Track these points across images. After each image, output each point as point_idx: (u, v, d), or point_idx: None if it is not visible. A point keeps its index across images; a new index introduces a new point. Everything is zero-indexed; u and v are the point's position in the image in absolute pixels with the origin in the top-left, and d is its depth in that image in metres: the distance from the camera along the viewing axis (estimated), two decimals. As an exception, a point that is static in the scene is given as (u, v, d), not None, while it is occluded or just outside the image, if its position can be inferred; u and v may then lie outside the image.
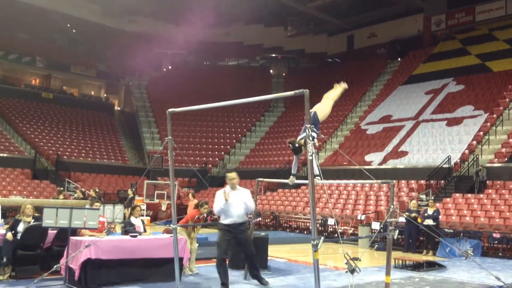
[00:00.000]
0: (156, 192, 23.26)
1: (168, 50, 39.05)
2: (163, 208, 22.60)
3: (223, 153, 30.67)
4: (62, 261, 7.41)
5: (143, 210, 20.23)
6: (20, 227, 8.00)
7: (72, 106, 34.48)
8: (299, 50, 40.18)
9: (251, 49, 39.94)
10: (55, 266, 7.10)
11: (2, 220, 13.31)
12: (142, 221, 9.33)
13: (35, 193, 22.47)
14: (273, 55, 41.00)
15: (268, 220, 19.86)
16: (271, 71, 40.61)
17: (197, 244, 9.25)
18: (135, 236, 8.06)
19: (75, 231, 7.97)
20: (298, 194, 22.08)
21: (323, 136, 6.35)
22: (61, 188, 19.77)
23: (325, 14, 34.80)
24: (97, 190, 22.09)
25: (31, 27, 33.77)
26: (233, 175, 7.49)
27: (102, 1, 31.25)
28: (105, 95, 40.39)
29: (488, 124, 21.90)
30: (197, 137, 31.97)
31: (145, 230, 9.02)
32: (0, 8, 30.00)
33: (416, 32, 34.13)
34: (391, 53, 35.12)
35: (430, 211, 13.69)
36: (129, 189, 20.68)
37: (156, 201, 22.84)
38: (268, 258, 9.84)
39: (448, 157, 19.48)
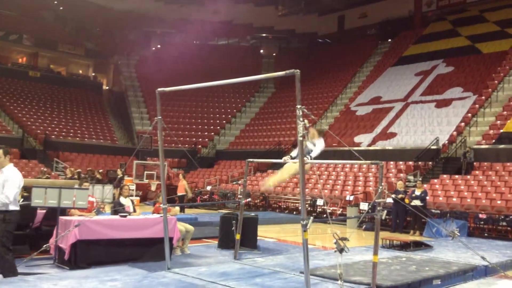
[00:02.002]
0: (145, 172, 23.20)
1: (158, 28, 38.58)
2: (153, 188, 22.60)
3: (213, 133, 30.61)
4: (52, 240, 7.40)
5: (132, 190, 20.20)
6: (9, 207, 7.95)
7: (60, 85, 34.08)
8: (290, 30, 39.89)
9: (241, 28, 39.56)
10: (44, 246, 7.08)
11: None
12: (132, 201, 9.33)
13: (23, 172, 21.97)
14: (264, 34, 40.67)
15: (258, 200, 19.98)
16: (261, 51, 40.34)
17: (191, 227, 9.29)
18: (125, 216, 8.06)
19: (64, 211, 7.95)
20: (287, 174, 22.12)
21: (313, 117, 6.33)
22: (44, 169, 19.57)
23: (316, -6, 34.50)
24: (101, 171, 21.98)
25: (18, 4, 33.08)
26: None
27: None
28: (93, 74, 39.92)
29: (477, 106, 22.05)
30: (186, 117, 31.83)
31: (134, 210, 9.03)
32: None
33: (407, 13, 34.00)
34: (382, 34, 34.99)
35: (417, 192, 13.85)
36: (119, 169, 20.62)
37: (146, 181, 22.82)
38: (258, 238, 9.91)
39: (436, 138, 19.64)
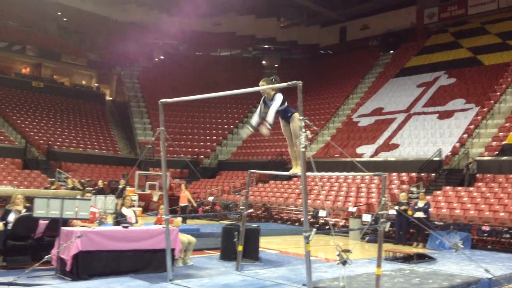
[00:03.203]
0: (147, 183, 23.20)
1: (161, 40, 38.82)
2: (155, 199, 22.56)
3: (215, 144, 30.62)
4: (53, 251, 7.38)
5: (134, 200, 20.17)
6: (11, 217, 7.95)
7: (63, 95, 34.17)
8: (292, 41, 40.12)
9: (243, 39, 39.82)
10: (46, 257, 7.07)
11: (-8, 210, 13.24)
12: (134, 212, 9.31)
13: (25, 183, 22.32)
14: (266, 46, 40.88)
15: (260, 211, 19.92)
16: (263, 62, 40.51)
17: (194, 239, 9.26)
18: (127, 227, 8.04)
19: (66, 222, 7.93)
20: (290, 185, 22.13)
21: (315, 127, 6.34)
22: (53, 179, 19.62)
23: (318, 5, 34.71)
24: (105, 182, 21.95)
25: (22, 15, 33.36)
26: None
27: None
28: (96, 84, 40.08)
29: (479, 117, 22.03)
30: (189, 128, 31.87)
31: (136, 221, 9.00)
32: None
33: (408, 24, 34.16)
34: (384, 46, 35.14)
35: (420, 204, 13.78)
36: (122, 180, 20.60)
37: (148, 192, 22.80)
38: (260, 249, 9.86)
39: (439, 150, 19.61)
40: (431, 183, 18.83)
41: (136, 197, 20.68)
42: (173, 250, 7.57)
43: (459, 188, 17.40)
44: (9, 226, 7.84)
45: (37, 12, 33.35)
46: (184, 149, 28.45)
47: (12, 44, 34.76)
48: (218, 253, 9.85)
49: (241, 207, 18.66)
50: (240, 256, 8.37)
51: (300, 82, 5.36)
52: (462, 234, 13.04)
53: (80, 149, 27.97)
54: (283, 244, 13.26)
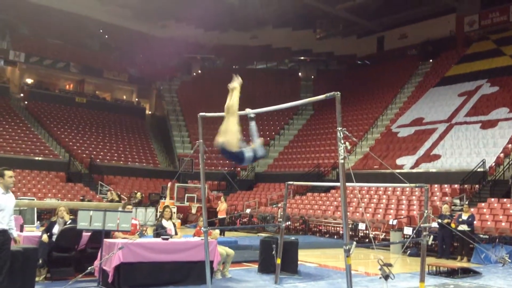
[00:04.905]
0: (186, 195, 23.47)
1: (198, 54, 39.46)
2: (193, 211, 22.80)
3: (252, 156, 30.65)
4: (96, 263, 7.54)
5: (174, 213, 20.40)
6: (55, 229, 8.18)
7: (104, 110, 35.18)
8: (328, 52, 39.95)
9: (279, 52, 39.98)
10: (89, 268, 7.23)
11: (38, 222, 13.68)
12: (174, 224, 9.42)
13: (69, 195, 22.98)
14: (302, 58, 40.89)
15: (298, 224, 19.78)
16: (300, 74, 40.50)
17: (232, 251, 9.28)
18: (167, 239, 8.14)
19: (108, 233, 8.10)
20: (327, 198, 21.90)
21: (354, 138, 6.25)
22: (114, 192, 19.82)
23: (355, 16, 34.48)
24: (143, 195, 22.23)
25: (65, 33, 34.65)
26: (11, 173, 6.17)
27: (133, 7, 31.82)
28: (136, 99, 41.06)
29: (525, 126, 21.25)
30: (226, 140, 32.09)
31: (176, 233, 9.09)
32: (35, 15, 30.98)
33: (448, 33, 33.45)
34: (423, 55, 34.50)
35: (464, 216, 13.37)
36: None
37: (187, 204, 23.05)
38: (298, 262, 9.78)
39: (482, 160, 18.98)
40: (475, 195, 18.24)
41: (175, 209, 20.92)
42: (211, 262, 7.59)
43: (505, 200, 16.77)
44: (54, 238, 8.06)
45: (80, 30, 34.60)
46: (221, 161, 28.59)
47: (57, 62, 36.10)
48: (256, 266, 9.82)
49: (279, 220, 18.60)
50: (279, 269, 8.32)
51: (338, 92, 5.32)
52: (509, 248, 12.55)
53: (121, 162, 28.62)
54: (322, 257, 13.10)
